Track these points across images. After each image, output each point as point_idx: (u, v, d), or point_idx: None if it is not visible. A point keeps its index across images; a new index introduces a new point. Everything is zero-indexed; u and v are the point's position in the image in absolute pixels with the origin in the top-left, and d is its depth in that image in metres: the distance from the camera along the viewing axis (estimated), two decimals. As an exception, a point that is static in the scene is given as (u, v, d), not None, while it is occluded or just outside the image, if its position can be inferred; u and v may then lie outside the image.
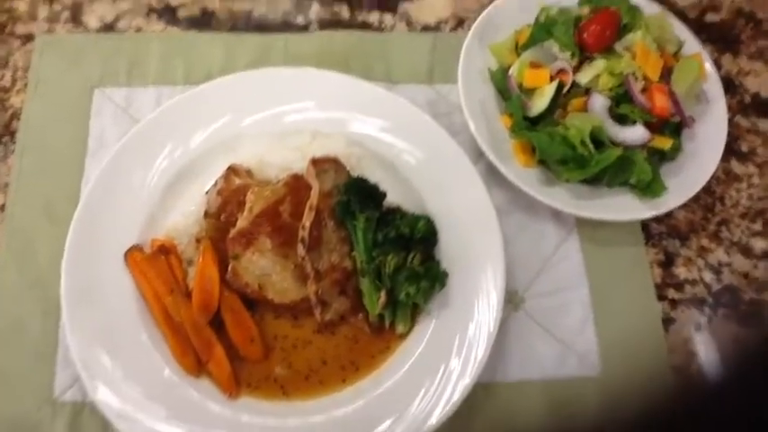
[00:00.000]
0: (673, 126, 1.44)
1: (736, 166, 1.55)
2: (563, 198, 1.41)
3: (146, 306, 1.28)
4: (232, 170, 1.34)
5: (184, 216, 1.34)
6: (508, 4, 1.58)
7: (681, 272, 1.44)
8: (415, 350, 1.28)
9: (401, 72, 1.58)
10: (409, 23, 1.65)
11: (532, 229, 1.44)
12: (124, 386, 1.19)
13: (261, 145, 1.38)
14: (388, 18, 1.65)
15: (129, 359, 1.22)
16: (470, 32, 1.53)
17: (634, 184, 1.41)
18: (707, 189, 1.48)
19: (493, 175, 1.42)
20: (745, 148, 1.57)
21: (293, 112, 1.42)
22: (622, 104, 1.41)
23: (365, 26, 1.64)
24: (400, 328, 1.30)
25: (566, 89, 1.43)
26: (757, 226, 1.49)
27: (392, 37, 1.63)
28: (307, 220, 1.27)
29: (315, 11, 1.65)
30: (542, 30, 1.47)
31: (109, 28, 1.58)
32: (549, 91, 1.42)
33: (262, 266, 1.28)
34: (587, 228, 1.44)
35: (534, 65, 1.47)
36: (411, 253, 1.31)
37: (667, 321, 1.39)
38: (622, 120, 1.41)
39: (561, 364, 1.33)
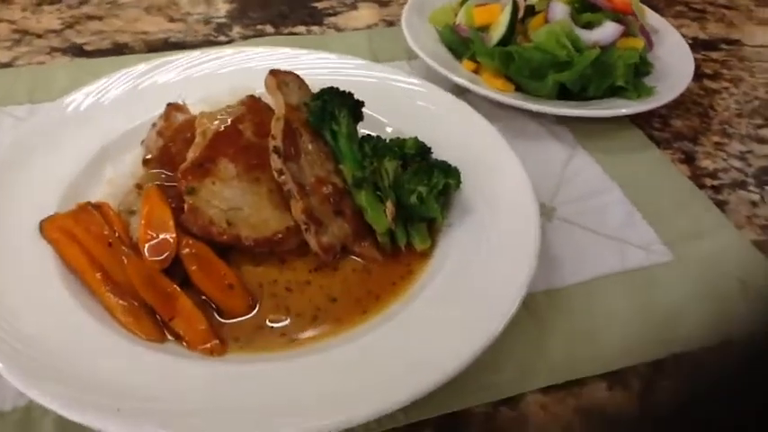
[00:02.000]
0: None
1: (709, 84, 1.48)
2: (558, 107, 1.26)
3: (80, 279, 0.92)
4: (173, 107, 1.09)
5: (117, 174, 1.05)
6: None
7: (707, 164, 1.26)
8: (444, 265, 0.97)
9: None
10: (339, 30, 1.57)
11: (534, 152, 1.25)
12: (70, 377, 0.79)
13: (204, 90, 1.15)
14: (315, 29, 1.56)
15: (70, 347, 0.83)
16: (406, 8, 1.46)
17: (622, 84, 1.29)
18: (694, 101, 1.40)
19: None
20: (709, 71, 1.51)
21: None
22: (583, 15, 1.34)
23: (293, 35, 1.54)
24: (419, 245, 1.00)
25: (521, 14, 1.34)
26: (758, 120, 1.37)
27: (327, 37, 1.53)
28: (276, 130, 1.02)
29: (237, 30, 1.54)
30: (480, -30, 1.42)
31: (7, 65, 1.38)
32: (504, 17, 1.33)
33: (227, 198, 0.98)
34: (591, 141, 1.27)
35: (480, 5, 1.40)
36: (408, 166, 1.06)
37: (719, 204, 1.17)
38: (588, 27, 1.33)
39: (623, 258, 1.06)
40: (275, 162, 0.99)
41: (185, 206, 0.97)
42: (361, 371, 0.83)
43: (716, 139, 1.32)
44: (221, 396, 0.79)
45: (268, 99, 1.10)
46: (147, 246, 0.92)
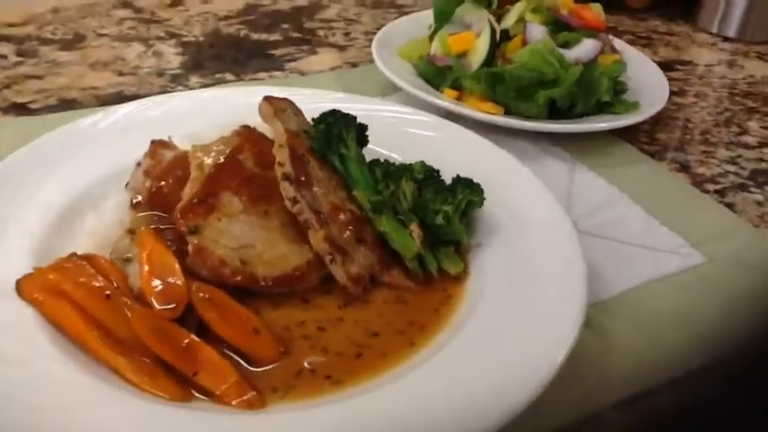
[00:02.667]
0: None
1: (679, 100, 1.50)
2: (555, 125, 1.24)
3: (75, 342, 0.78)
4: (158, 144, 0.97)
5: (101, 223, 0.92)
6: (401, 23, 1.54)
7: (703, 171, 1.26)
8: (485, 288, 0.89)
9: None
10: (303, 74, 1.50)
11: (536, 171, 1.19)
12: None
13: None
14: (278, 74, 1.49)
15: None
16: (374, 45, 1.42)
17: (608, 99, 1.28)
18: (670, 116, 1.43)
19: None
20: (675, 88, 1.54)
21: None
22: (560, 35, 1.33)
23: (256, 80, 1.45)
24: (453, 268, 0.92)
25: (498, 36, 1.32)
26: (735, 129, 1.40)
27: (292, 80, 1.46)
28: (282, 156, 0.92)
29: (195, 80, 1.44)
30: (448, 2, 1.40)
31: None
32: (483, 41, 1.31)
33: (237, 235, 0.87)
34: (588, 158, 1.24)
35: (452, 34, 1.37)
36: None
37: (728, 206, 1.16)
38: (566, 47, 1.32)
39: (657, 264, 1.01)
40: (287, 190, 0.89)
41: (189, 248, 0.84)
42: (419, 410, 0.72)
43: (703, 148, 1.32)
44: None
45: (262, 130, 1.00)
46: (154, 293, 0.79)
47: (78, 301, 0.79)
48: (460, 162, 1.03)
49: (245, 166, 0.93)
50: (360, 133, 1.00)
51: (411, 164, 1.00)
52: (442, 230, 0.93)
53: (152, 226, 0.89)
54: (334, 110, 0.99)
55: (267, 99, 0.99)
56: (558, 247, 0.91)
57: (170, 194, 0.91)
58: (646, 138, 1.34)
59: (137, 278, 0.82)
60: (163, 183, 0.93)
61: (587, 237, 1.05)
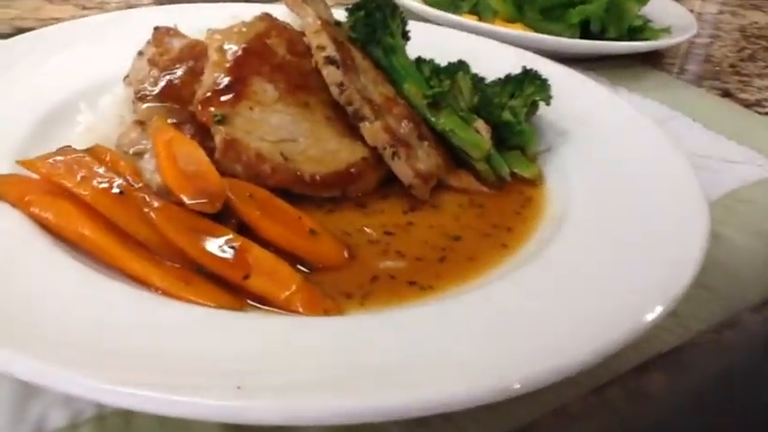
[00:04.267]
0: None
1: (695, 40, 1.42)
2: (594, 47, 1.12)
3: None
4: (163, 31, 0.79)
5: (101, 118, 0.73)
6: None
7: (746, 96, 1.18)
8: (570, 188, 0.75)
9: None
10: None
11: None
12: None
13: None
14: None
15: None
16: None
17: (640, 24, 1.19)
18: (692, 53, 1.34)
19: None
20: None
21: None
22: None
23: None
24: (527, 172, 0.78)
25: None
26: (761, 63, 1.32)
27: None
28: (321, 39, 0.76)
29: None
30: None
31: None
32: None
33: (275, 126, 0.70)
34: (626, 83, 1.13)
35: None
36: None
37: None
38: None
39: (740, 177, 0.90)
40: (333, 75, 0.73)
41: (217, 140, 0.67)
42: (524, 316, 0.55)
43: (736, 78, 1.24)
44: (354, 358, 0.48)
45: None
46: (182, 184, 0.61)
47: (82, 199, 0.60)
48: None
49: (276, 52, 0.76)
50: (403, 25, 0.85)
51: (463, 61, 0.85)
52: (509, 128, 0.79)
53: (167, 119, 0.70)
54: (366, -1, 0.83)
55: (291, -16, 0.83)
56: (649, 147, 0.78)
57: (183, 87, 0.73)
58: (677, 69, 1.24)
59: (153, 174, 0.63)
60: (173, 74, 0.75)
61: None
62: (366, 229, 0.68)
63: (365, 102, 0.73)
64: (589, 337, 0.50)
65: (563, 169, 0.78)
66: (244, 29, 0.77)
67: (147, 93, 0.73)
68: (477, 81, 0.84)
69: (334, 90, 0.73)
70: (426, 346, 0.50)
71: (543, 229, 0.69)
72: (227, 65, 0.72)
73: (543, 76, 0.82)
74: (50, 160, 0.63)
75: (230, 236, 0.59)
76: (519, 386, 0.46)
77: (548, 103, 0.82)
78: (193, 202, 0.60)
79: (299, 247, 0.62)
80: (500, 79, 0.82)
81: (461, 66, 0.82)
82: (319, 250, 0.62)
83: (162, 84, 0.73)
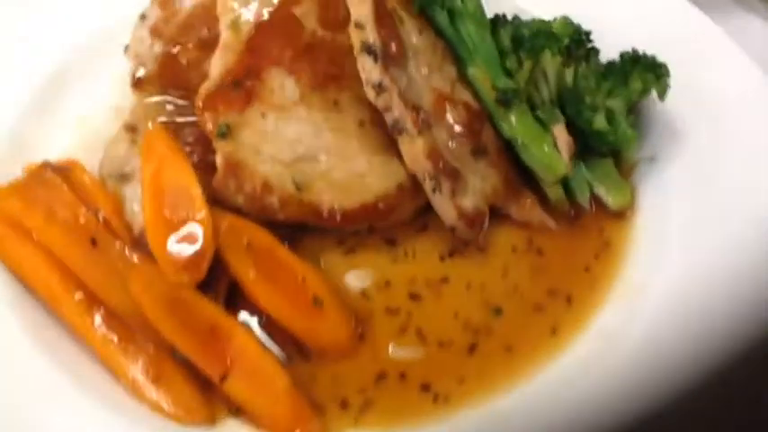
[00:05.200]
0: None
1: None
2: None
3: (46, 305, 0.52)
4: (169, -13, 0.64)
5: (93, 107, 0.62)
6: None
7: None
8: (667, 233, 0.58)
9: None
10: None
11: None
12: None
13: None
14: None
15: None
16: None
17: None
18: None
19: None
20: None
21: None
22: None
23: None
24: (615, 200, 0.60)
25: None
26: None
27: None
28: (361, 10, 0.58)
29: None
30: None
31: None
32: None
33: (291, 140, 0.56)
34: None
35: None
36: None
37: None
38: None
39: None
40: (370, 71, 0.56)
41: (218, 161, 0.54)
42: None
43: None
44: None
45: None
46: (167, 246, 0.50)
47: (50, 245, 0.52)
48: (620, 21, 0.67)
49: (304, 27, 0.59)
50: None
51: (551, 22, 0.64)
52: (601, 138, 0.60)
53: (161, 119, 0.58)
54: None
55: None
56: None
57: (189, 66, 0.60)
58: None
59: (136, 215, 0.53)
60: (179, 47, 0.60)
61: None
62: (389, 285, 0.56)
63: (408, 109, 0.56)
64: None
65: (664, 193, 0.60)
66: (266, -8, 0.60)
67: (145, 78, 0.60)
68: (578, 46, 0.63)
69: (370, 93, 0.56)
70: None
71: (614, 309, 0.54)
72: (241, 48, 0.57)
73: (659, 62, 0.60)
74: (19, 185, 0.54)
75: (214, 312, 0.50)
76: None
77: (662, 98, 0.62)
78: (179, 270, 0.50)
79: (299, 328, 0.52)
80: (608, 64, 0.62)
81: (551, 39, 0.61)
82: (322, 332, 0.52)
83: (163, 63, 0.60)
